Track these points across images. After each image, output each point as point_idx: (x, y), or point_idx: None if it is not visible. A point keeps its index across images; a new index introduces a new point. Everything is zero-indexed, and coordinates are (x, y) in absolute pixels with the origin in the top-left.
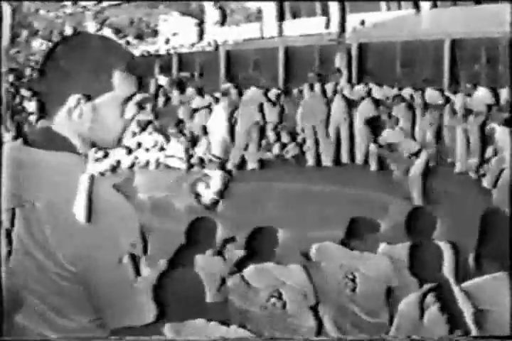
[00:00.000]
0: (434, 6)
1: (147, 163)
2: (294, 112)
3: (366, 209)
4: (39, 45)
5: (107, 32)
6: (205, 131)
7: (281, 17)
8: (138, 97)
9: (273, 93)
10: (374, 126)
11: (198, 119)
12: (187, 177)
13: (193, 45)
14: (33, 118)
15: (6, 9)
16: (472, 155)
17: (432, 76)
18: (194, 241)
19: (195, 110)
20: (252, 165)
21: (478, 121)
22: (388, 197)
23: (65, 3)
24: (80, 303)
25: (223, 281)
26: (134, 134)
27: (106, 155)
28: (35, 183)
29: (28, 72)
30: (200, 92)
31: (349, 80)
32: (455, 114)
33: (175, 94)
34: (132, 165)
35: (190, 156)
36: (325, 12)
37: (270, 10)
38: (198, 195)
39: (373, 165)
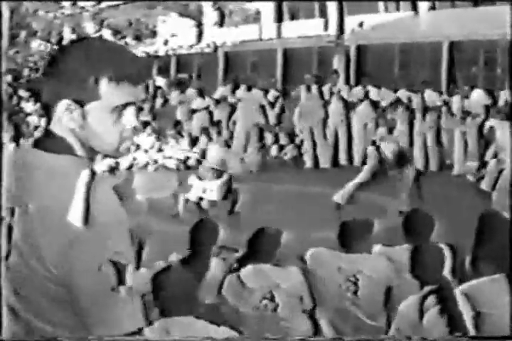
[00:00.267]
0: (433, 8)
1: (146, 165)
2: (291, 114)
3: (364, 211)
4: (38, 45)
5: (106, 33)
6: (204, 132)
7: (279, 18)
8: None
9: (271, 95)
10: (371, 127)
11: (197, 121)
12: (186, 178)
13: (191, 46)
14: (31, 118)
15: (5, 10)
16: (470, 157)
17: (430, 78)
18: (195, 242)
19: (194, 111)
20: (250, 166)
21: (476, 123)
22: (386, 198)
23: (64, 4)
24: (65, 306)
25: (219, 282)
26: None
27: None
28: (31, 184)
29: (26, 72)
30: (201, 94)
31: (347, 82)
32: (453, 116)
33: (174, 94)
34: (131, 167)
35: (188, 158)
36: (323, 14)
37: (268, 11)
38: (200, 199)
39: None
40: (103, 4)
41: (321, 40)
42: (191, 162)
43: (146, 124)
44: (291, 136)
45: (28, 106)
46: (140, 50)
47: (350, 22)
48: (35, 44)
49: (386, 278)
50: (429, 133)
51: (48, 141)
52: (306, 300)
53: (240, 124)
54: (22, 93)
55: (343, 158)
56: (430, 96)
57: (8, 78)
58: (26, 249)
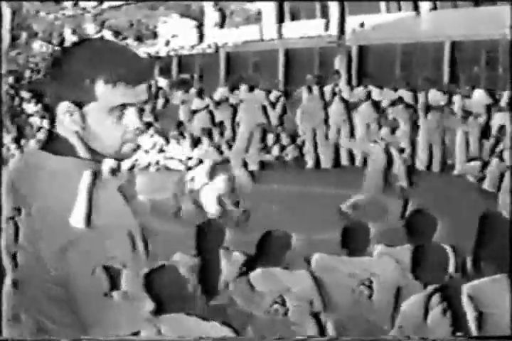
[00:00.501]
0: (434, 8)
1: (148, 165)
2: (293, 114)
3: (366, 212)
4: (39, 47)
5: (107, 34)
6: (206, 132)
7: (280, 19)
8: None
9: (273, 95)
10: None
11: (197, 121)
12: (191, 180)
13: (193, 47)
14: (33, 120)
15: (6, 10)
16: (471, 157)
17: (432, 78)
18: (201, 243)
19: (194, 112)
20: (252, 167)
21: (478, 123)
22: (388, 199)
23: (65, 5)
24: (63, 305)
25: (227, 284)
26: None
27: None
28: (34, 185)
29: (27, 74)
30: (200, 94)
31: (349, 82)
32: (454, 116)
33: (178, 93)
34: (132, 167)
35: (190, 158)
36: (324, 14)
37: (270, 12)
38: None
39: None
40: (104, 5)
41: (323, 40)
42: (193, 163)
43: (147, 125)
44: (293, 136)
45: (30, 108)
46: (141, 51)
47: (352, 22)
48: (37, 45)
49: (396, 280)
50: (434, 133)
51: (51, 143)
52: (316, 304)
53: (242, 125)
54: (24, 94)
55: (344, 159)
56: (434, 95)
57: (10, 79)
58: (29, 249)
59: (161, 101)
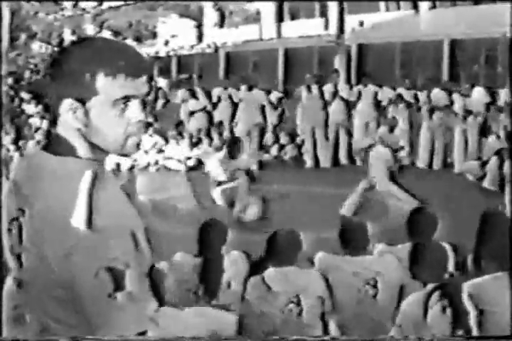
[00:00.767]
0: (433, 6)
1: (147, 166)
2: (292, 113)
3: (365, 211)
4: (38, 48)
5: (106, 34)
6: (205, 133)
7: (279, 18)
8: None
9: (274, 95)
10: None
11: (195, 122)
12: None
13: (192, 47)
14: (32, 120)
15: (5, 12)
16: (471, 156)
17: (432, 77)
18: (203, 243)
19: (192, 113)
20: (251, 166)
21: (478, 122)
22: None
23: (64, 5)
24: (69, 306)
25: (229, 285)
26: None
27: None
28: (36, 186)
29: (27, 74)
30: (194, 95)
31: (348, 81)
32: (454, 115)
33: (180, 92)
34: (132, 168)
35: (189, 158)
36: (324, 13)
37: (269, 11)
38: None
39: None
40: (104, 6)
41: (322, 39)
42: (192, 163)
43: (147, 125)
44: (292, 135)
45: (30, 108)
46: (141, 51)
47: (351, 21)
48: (36, 46)
49: (399, 278)
50: (437, 131)
51: (50, 144)
52: (327, 303)
53: (240, 125)
54: (23, 95)
55: (343, 158)
56: (437, 94)
57: (9, 81)
58: (32, 250)
59: (160, 102)
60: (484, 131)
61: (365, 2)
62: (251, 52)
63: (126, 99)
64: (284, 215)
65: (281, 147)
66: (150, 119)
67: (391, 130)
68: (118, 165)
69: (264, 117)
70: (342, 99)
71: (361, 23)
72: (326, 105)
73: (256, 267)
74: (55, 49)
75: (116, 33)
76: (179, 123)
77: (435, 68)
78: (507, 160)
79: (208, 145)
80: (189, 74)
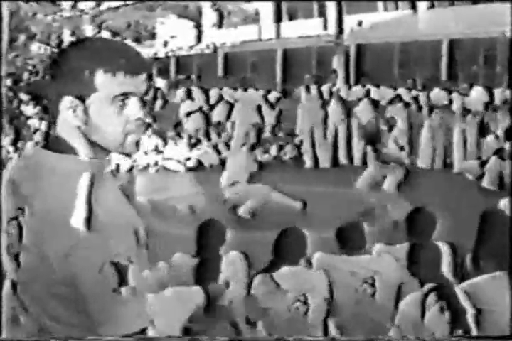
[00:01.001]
0: (432, 6)
1: (146, 166)
2: (291, 114)
3: (365, 210)
4: (37, 49)
5: (105, 35)
6: (203, 133)
7: (278, 19)
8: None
9: (272, 96)
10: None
11: (192, 122)
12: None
13: (191, 47)
14: (31, 122)
15: (5, 13)
16: (470, 155)
17: (431, 76)
18: (201, 243)
19: (189, 114)
20: (250, 167)
21: (476, 121)
22: (386, 196)
23: (63, 6)
24: (71, 304)
25: (227, 285)
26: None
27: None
28: (36, 184)
29: (26, 76)
30: (189, 95)
31: (347, 81)
32: (453, 114)
33: (179, 92)
34: (131, 169)
35: (188, 159)
36: (322, 13)
37: (267, 12)
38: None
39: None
40: (102, 7)
41: (320, 39)
42: (191, 163)
43: (147, 126)
44: (291, 135)
45: (29, 110)
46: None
47: (350, 21)
48: (35, 47)
49: (398, 277)
50: (437, 131)
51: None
52: (328, 304)
53: (237, 125)
54: (22, 96)
55: (342, 158)
56: (436, 94)
57: (8, 82)
58: (33, 249)
59: (159, 102)
60: (483, 130)
61: (363, 2)
62: (249, 52)
63: (125, 96)
64: (285, 215)
65: (281, 147)
66: (149, 120)
67: (389, 130)
68: (117, 166)
69: (262, 117)
70: (340, 99)
71: (360, 23)
72: (324, 105)
73: (260, 267)
74: (54, 50)
75: (115, 34)
76: (178, 124)
77: (434, 68)
78: (507, 159)
79: (206, 146)
80: (187, 75)
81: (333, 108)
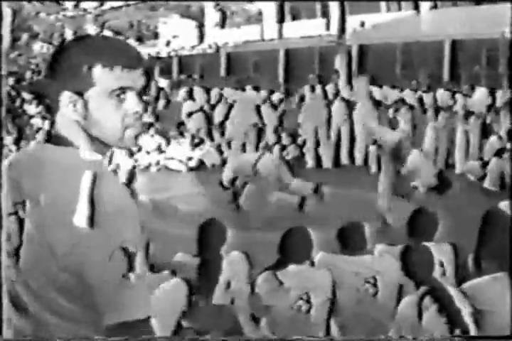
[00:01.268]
0: (434, 7)
1: (148, 166)
2: (294, 114)
3: (367, 211)
4: (39, 48)
5: (108, 35)
6: (206, 133)
7: (281, 19)
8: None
9: (276, 96)
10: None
11: (194, 122)
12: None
13: (193, 47)
14: (34, 121)
15: (7, 12)
16: (472, 156)
17: (433, 77)
18: (203, 243)
19: (190, 114)
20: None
21: (479, 123)
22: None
23: (66, 6)
24: (76, 297)
25: (228, 285)
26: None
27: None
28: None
29: (28, 75)
30: (191, 96)
31: (349, 82)
32: (456, 115)
33: (181, 91)
34: (133, 168)
35: (190, 158)
36: (325, 14)
37: (270, 12)
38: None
39: (373, 167)
40: (105, 6)
41: (323, 40)
42: (193, 163)
43: (149, 126)
44: (293, 135)
45: (31, 109)
46: (142, 52)
47: (352, 22)
48: (37, 46)
49: (400, 277)
50: (441, 132)
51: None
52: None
53: (236, 125)
54: (25, 95)
55: (344, 158)
56: (441, 95)
57: (11, 81)
58: (36, 241)
59: (162, 102)
60: (485, 131)
61: (366, 2)
62: (252, 52)
63: (123, 90)
64: (285, 215)
65: (283, 147)
66: (150, 118)
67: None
68: (118, 165)
69: (261, 117)
70: (343, 99)
71: (362, 24)
72: (328, 105)
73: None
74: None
75: (117, 33)
76: (180, 124)
77: (436, 68)
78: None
79: (209, 146)
80: (190, 75)
81: (336, 108)
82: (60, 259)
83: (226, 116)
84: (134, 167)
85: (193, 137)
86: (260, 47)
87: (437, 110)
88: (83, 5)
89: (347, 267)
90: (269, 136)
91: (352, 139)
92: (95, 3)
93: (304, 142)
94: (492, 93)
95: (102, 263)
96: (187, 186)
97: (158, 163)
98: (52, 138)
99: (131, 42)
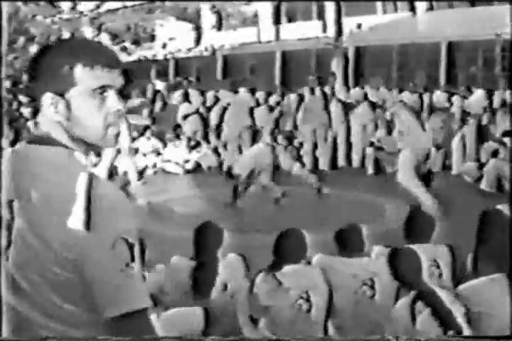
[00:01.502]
0: (430, 8)
1: (145, 168)
2: (291, 116)
3: (363, 212)
4: (36, 51)
5: (104, 37)
6: (202, 136)
7: (277, 21)
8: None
9: (272, 99)
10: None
11: (190, 125)
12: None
13: (190, 49)
14: (30, 123)
15: (4, 12)
16: (469, 157)
17: (430, 79)
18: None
19: (186, 116)
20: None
21: (476, 124)
22: (385, 200)
23: (62, 8)
24: (74, 293)
25: (225, 287)
26: (133, 139)
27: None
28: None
29: (25, 78)
30: (187, 98)
31: (346, 84)
32: (453, 117)
33: (177, 93)
34: (143, 169)
35: (187, 161)
36: (321, 16)
37: (266, 14)
38: None
39: (370, 169)
40: (101, 9)
41: (319, 42)
42: (190, 165)
43: (145, 128)
44: (290, 138)
45: (28, 112)
46: (138, 54)
47: (349, 23)
48: (34, 49)
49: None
50: (439, 133)
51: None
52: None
53: (231, 127)
54: (21, 98)
55: (342, 160)
56: (438, 97)
57: (7, 84)
58: (31, 238)
59: (158, 105)
60: (482, 133)
61: (362, 4)
62: (248, 54)
63: (104, 88)
64: (283, 217)
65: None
66: (148, 122)
67: (389, 132)
68: (115, 168)
69: (254, 119)
70: (339, 101)
71: (359, 26)
72: (327, 107)
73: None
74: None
75: (114, 36)
76: (177, 126)
77: (433, 70)
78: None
79: (206, 148)
80: (186, 77)
81: (333, 110)
82: (58, 255)
83: (221, 119)
84: (142, 168)
85: (189, 139)
86: (257, 49)
87: (434, 111)
88: (80, 8)
89: (345, 269)
90: (266, 139)
91: (349, 141)
92: (92, 6)
93: (301, 144)
94: (489, 94)
95: (102, 256)
96: (184, 188)
97: (155, 166)
98: (36, 138)
99: (128, 45)
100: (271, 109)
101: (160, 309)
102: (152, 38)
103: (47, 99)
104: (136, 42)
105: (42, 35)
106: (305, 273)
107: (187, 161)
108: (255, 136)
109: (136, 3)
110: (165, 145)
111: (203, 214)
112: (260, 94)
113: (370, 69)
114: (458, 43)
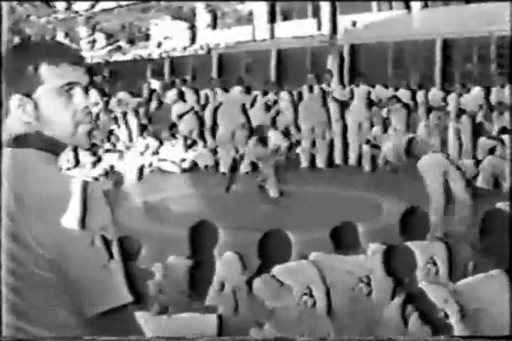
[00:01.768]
0: (425, 6)
1: (141, 167)
2: (287, 114)
3: (360, 210)
4: None
5: (99, 37)
6: (198, 134)
7: (272, 19)
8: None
9: (270, 97)
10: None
11: (185, 124)
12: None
13: (185, 48)
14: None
15: (4, 10)
16: (465, 155)
17: (425, 76)
18: (195, 244)
19: (181, 115)
20: (244, 167)
21: (471, 121)
22: (382, 197)
23: (57, 8)
24: (57, 294)
25: (222, 286)
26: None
27: (99, 160)
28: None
29: None
30: (182, 97)
31: (341, 81)
32: (448, 114)
33: (171, 93)
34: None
35: (183, 160)
36: (316, 14)
37: (261, 12)
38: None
39: (366, 167)
40: (96, 8)
41: (315, 40)
42: (186, 164)
43: (141, 127)
44: (287, 136)
45: None
46: (133, 53)
47: (344, 21)
48: None
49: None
50: (435, 131)
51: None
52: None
53: (225, 125)
54: None
55: (338, 158)
56: (433, 94)
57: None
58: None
59: (154, 103)
60: (478, 130)
61: (357, 2)
62: (244, 53)
63: (70, 85)
64: (279, 215)
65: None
66: (144, 121)
67: (385, 130)
68: (112, 167)
69: (248, 117)
70: (335, 99)
71: (354, 23)
72: (326, 105)
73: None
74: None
75: (109, 35)
76: (173, 125)
77: (428, 67)
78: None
79: (202, 147)
80: (182, 76)
81: (330, 108)
82: (44, 256)
83: (215, 117)
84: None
85: (185, 138)
86: (252, 47)
87: (430, 109)
88: (74, 7)
89: (341, 266)
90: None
91: (345, 139)
92: (86, 6)
93: (298, 142)
94: (486, 92)
95: (84, 252)
96: (180, 187)
97: (151, 165)
98: (7, 142)
99: (123, 44)
100: (267, 107)
101: (155, 308)
102: (147, 37)
103: (15, 100)
104: (131, 42)
105: (37, 34)
106: (302, 269)
107: (183, 160)
108: (250, 134)
109: (131, 2)
110: (161, 144)
111: (200, 213)
112: (254, 92)
113: (365, 67)
114: (453, 40)
